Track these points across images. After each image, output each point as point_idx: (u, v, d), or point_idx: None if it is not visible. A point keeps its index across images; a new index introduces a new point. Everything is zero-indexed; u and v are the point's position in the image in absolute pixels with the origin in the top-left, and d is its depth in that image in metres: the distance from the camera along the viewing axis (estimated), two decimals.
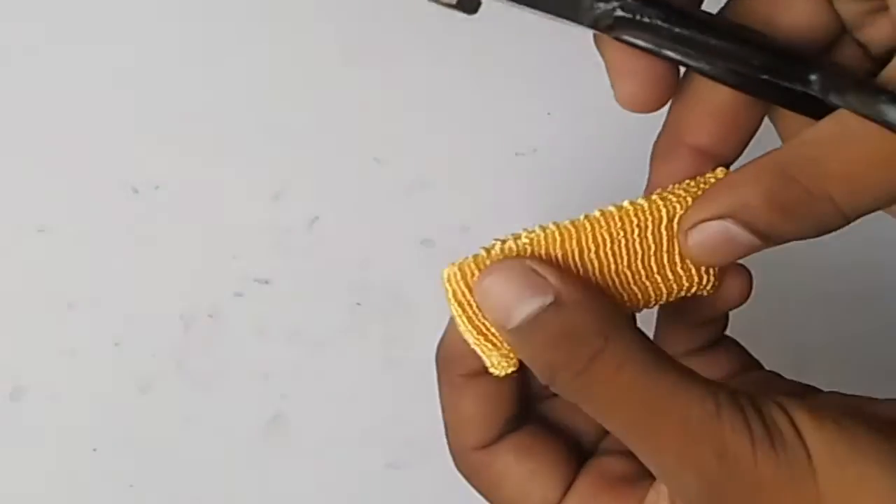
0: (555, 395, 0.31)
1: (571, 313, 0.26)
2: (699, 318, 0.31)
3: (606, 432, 0.31)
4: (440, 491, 0.43)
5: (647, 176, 0.30)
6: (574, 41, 0.46)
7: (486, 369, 0.28)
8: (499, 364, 0.27)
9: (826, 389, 0.31)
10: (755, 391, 0.26)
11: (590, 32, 0.28)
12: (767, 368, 0.32)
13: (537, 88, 0.45)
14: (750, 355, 0.32)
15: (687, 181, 0.28)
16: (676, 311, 0.31)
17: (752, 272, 0.30)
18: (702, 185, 0.28)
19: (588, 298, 0.26)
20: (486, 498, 0.30)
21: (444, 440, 0.33)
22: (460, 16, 0.46)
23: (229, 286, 0.44)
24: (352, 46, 0.45)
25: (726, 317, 0.32)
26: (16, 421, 0.43)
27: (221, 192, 0.44)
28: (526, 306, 0.26)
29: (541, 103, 0.45)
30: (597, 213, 0.27)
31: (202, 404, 0.44)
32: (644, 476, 0.28)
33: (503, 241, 0.27)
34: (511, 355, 0.27)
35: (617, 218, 0.27)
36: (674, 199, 0.27)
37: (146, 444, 0.44)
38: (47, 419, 0.43)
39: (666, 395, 0.25)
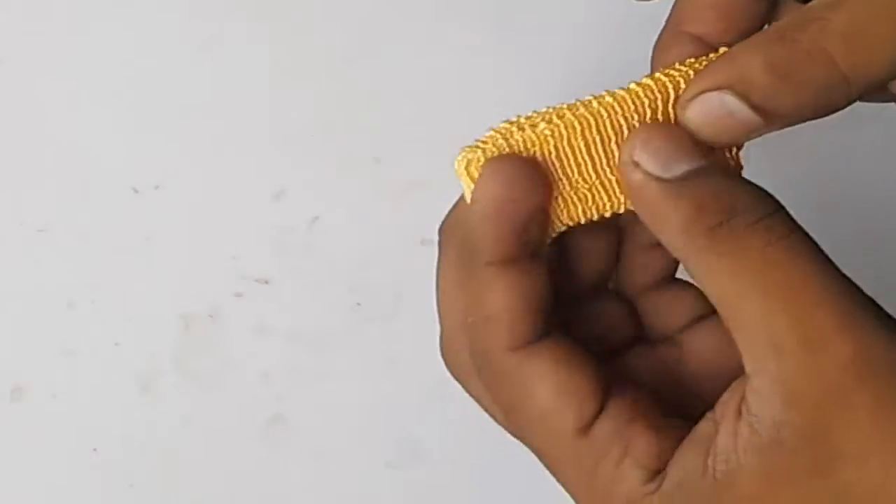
0: (572, 306, 0.30)
1: (738, 179, 0.26)
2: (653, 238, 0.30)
3: (627, 349, 0.30)
4: (440, 491, 0.43)
5: None
6: (574, 41, 0.46)
7: (517, 257, 0.27)
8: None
9: None
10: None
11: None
12: None
13: (537, 88, 0.45)
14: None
15: (689, 59, 0.27)
16: (633, 234, 0.30)
17: None
18: (703, 63, 0.27)
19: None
20: (507, 409, 0.28)
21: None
22: (460, 16, 0.46)
23: (229, 286, 0.44)
24: (352, 46, 0.45)
25: None
26: (16, 421, 0.43)
27: (221, 192, 0.44)
28: (695, 160, 0.25)
29: (540, 103, 0.45)
30: (608, 99, 0.27)
31: (202, 404, 0.44)
32: (673, 415, 0.27)
33: (520, 127, 0.27)
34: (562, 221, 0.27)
35: (629, 101, 0.26)
36: (677, 75, 0.27)
37: (146, 444, 0.44)
38: (47, 419, 0.43)
39: (816, 262, 0.24)
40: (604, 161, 0.27)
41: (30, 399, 0.43)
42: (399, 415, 0.44)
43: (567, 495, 0.29)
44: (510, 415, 0.28)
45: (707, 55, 0.27)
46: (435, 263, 0.30)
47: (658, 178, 0.25)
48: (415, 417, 0.43)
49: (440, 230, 0.29)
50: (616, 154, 0.27)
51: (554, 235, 0.28)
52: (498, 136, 0.27)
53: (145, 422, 0.44)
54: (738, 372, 0.25)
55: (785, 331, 0.24)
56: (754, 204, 0.25)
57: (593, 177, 0.27)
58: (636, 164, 0.26)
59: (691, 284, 0.29)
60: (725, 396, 0.25)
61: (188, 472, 0.44)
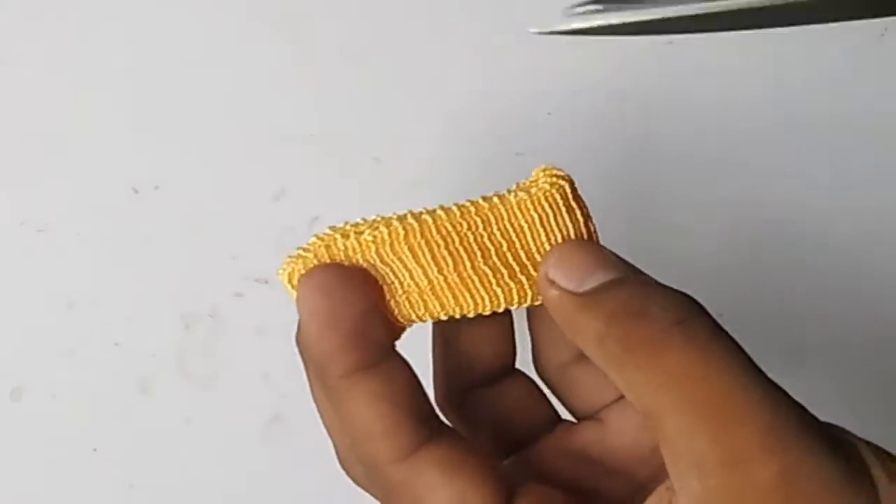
0: (460, 406, 0.29)
1: (654, 286, 0.25)
2: None
3: (544, 433, 0.29)
4: None
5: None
6: (573, 41, 0.46)
7: (366, 363, 0.26)
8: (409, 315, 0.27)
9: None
10: None
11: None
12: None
13: (537, 88, 0.45)
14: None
15: (519, 182, 0.28)
16: (540, 311, 0.29)
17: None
18: (531, 187, 0.27)
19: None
20: None
21: None
22: (460, 16, 0.46)
23: (229, 286, 0.44)
24: (352, 46, 0.45)
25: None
26: (16, 421, 0.43)
27: (221, 192, 0.44)
28: (609, 273, 0.25)
29: (541, 103, 0.45)
30: (438, 211, 0.27)
31: (202, 404, 0.44)
32: (593, 501, 0.26)
33: (344, 235, 0.27)
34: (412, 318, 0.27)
35: (457, 212, 0.27)
36: (511, 197, 0.27)
37: (146, 444, 0.44)
38: (47, 419, 0.43)
39: (739, 372, 0.23)
40: (434, 269, 0.27)
41: (30, 399, 0.43)
42: None
43: None
44: None
45: (529, 180, 0.28)
46: None
47: (572, 293, 0.25)
48: None
49: (296, 343, 0.28)
50: (448, 261, 0.27)
51: (398, 337, 0.28)
52: (319, 243, 0.27)
53: (145, 422, 0.44)
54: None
55: (706, 449, 0.22)
56: (669, 309, 0.24)
57: (425, 282, 0.27)
58: (551, 282, 0.26)
59: None
60: (651, 502, 0.25)
61: (188, 472, 0.44)
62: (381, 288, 0.27)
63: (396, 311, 0.28)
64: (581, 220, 0.28)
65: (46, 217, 0.44)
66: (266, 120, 0.44)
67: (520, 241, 0.27)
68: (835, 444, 0.23)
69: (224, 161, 0.44)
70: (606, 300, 0.25)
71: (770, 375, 0.24)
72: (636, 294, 0.25)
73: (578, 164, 0.46)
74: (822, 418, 0.24)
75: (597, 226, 0.28)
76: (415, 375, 0.27)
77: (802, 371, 0.44)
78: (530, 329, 0.30)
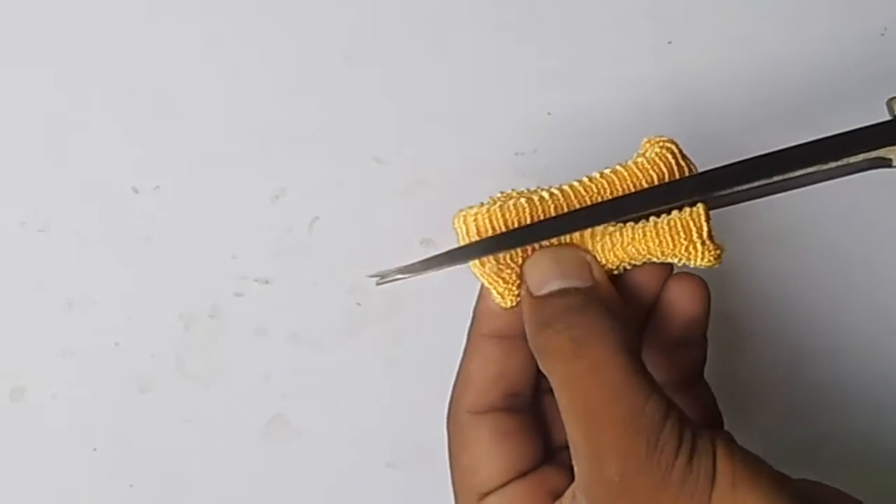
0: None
1: (592, 301, 0.29)
2: (672, 337, 0.33)
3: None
4: (440, 491, 0.43)
5: None
6: (574, 41, 0.46)
7: (504, 334, 0.32)
8: (500, 298, 0.31)
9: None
10: None
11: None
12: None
13: (537, 88, 0.45)
14: (717, 409, 0.35)
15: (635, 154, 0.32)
16: (653, 333, 0.33)
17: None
18: (645, 153, 0.31)
19: (614, 298, 0.30)
20: (449, 458, 0.33)
21: (445, 440, 0.33)
22: (460, 16, 0.46)
23: (229, 286, 0.44)
24: (352, 46, 0.45)
25: (704, 349, 0.34)
26: (16, 421, 0.43)
27: (221, 192, 0.44)
28: (559, 283, 0.30)
29: (541, 103, 0.45)
30: (573, 182, 0.31)
31: (202, 404, 0.44)
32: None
33: (519, 195, 0.31)
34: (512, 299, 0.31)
35: (617, 181, 0.31)
36: (632, 164, 0.31)
37: (146, 444, 0.44)
38: (47, 419, 0.43)
39: (615, 387, 0.28)
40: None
41: (30, 399, 0.43)
42: (399, 415, 0.44)
43: None
44: (450, 460, 0.33)
45: (647, 147, 0.32)
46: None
47: (530, 294, 0.30)
48: (415, 417, 0.43)
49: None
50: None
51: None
52: (493, 202, 0.31)
53: (145, 422, 0.44)
54: None
55: (581, 443, 0.28)
56: (571, 326, 0.28)
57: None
58: (524, 280, 0.30)
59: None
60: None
61: (188, 472, 0.44)
62: None
63: None
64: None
65: (46, 217, 0.44)
66: (266, 120, 0.44)
67: None
68: (684, 448, 0.27)
69: (224, 161, 0.44)
70: (543, 308, 0.29)
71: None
72: (559, 307, 0.29)
73: (578, 163, 0.46)
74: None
75: None
76: (533, 362, 0.32)
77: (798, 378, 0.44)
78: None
